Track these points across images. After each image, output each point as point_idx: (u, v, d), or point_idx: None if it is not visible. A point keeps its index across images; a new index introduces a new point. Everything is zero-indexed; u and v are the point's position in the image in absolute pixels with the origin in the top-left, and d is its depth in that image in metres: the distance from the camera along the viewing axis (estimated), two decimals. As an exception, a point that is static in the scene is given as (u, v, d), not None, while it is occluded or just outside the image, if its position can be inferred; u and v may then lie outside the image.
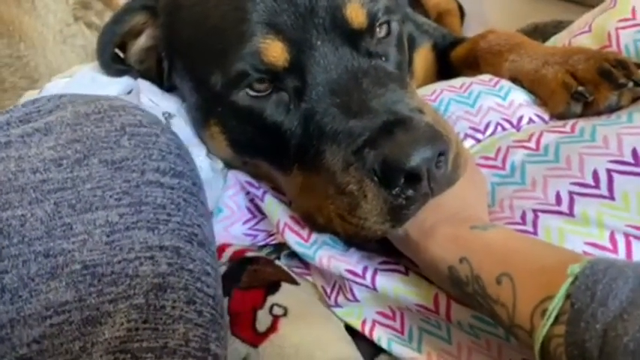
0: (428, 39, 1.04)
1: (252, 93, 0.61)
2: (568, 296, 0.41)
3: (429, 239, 0.54)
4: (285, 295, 0.63)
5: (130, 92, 0.74)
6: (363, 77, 0.60)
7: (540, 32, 1.22)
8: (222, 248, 0.69)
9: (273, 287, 0.63)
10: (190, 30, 0.67)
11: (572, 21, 1.14)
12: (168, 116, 0.69)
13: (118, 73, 0.74)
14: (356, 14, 0.62)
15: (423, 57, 1.02)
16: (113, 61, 0.74)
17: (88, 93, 0.72)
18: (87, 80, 0.74)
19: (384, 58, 0.65)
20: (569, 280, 0.41)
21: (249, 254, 0.69)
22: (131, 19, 0.72)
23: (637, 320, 0.38)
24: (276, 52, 0.59)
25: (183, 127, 0.70)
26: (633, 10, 0.75)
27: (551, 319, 0.41)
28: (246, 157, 0.69)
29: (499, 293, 0.47)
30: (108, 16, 1.13)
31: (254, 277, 0.64)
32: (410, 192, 0.54)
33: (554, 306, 0.41)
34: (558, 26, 1.18)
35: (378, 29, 0.64)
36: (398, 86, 0.61)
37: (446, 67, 1.02)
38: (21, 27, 0.95)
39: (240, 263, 0.67)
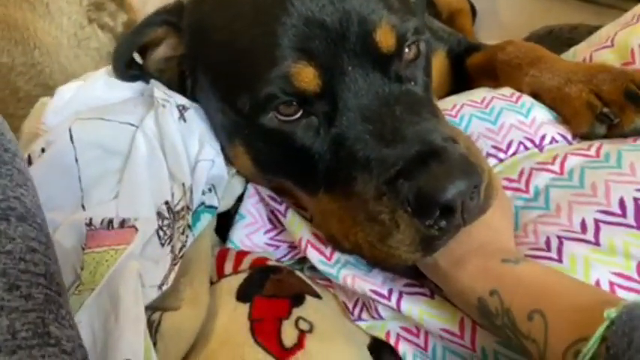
0: (443, 45, 1.03)
1: (280, 117, 0.61)
2: (603, 339, 0.41)
3: (459, 269, 0.55)
4: (310, 309, 0.63)
5: (142, 95, 0.74)
6: (395, 104, 0.59)
7: (555, 36, 1.21)
8: (240, 255, 0.69)
9: (298, 299, 0.63)
10: (217, 52, 0.66)
11: (587, 25, 1.14)
12: (183, 108, 0.69)
13: (133, 79, 0.74)
14: (385, 38, 0.61)
15: (438, 64, 1.01)
16: (130, 67, 0.74)
17: (103, 96, 0.72)
18: (100, 83, 0.74)
19: (412, 83, 0.64)
20: (606, 323, 0.41)
21: (271, 263, 0.69)
22: (151, 33, 0.72)
23: None
24: (307, 77, 0.59)
25: (197, 119, 0.70)
26: (658, 28, 0.74)
27: None
28: (270, 176, 0.69)
29: (530, 329, 0.47)
30: (121, 17, 1.12)
31: (278, 287, 0.64)
32: (443, 223, 0.54)
33: (589, 348, 0.41)
34: (573, 31, 1.18)
35: (406, 50, 0.64)
36: (430, 113, 0.61)
37: (461, 74, 1.02)
38: (36, 33, 0.94)
39: (263, 271, 0.66)
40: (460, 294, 0.55)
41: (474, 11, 1.55)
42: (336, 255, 0.65)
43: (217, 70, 0.67)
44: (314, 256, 0.65)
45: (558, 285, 0.49)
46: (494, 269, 0.52)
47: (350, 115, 0.59)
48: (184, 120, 0.67)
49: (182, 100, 0.69)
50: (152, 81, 0.72)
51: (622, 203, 0.58)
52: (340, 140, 0.59)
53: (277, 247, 0.73)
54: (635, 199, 0.57)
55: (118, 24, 1.10)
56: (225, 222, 0.75)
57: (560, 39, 1.18)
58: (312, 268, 0.69)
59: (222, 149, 0.71)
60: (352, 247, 0.61)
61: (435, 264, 0.57)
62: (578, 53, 0.86)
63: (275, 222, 0.73)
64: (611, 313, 0.41)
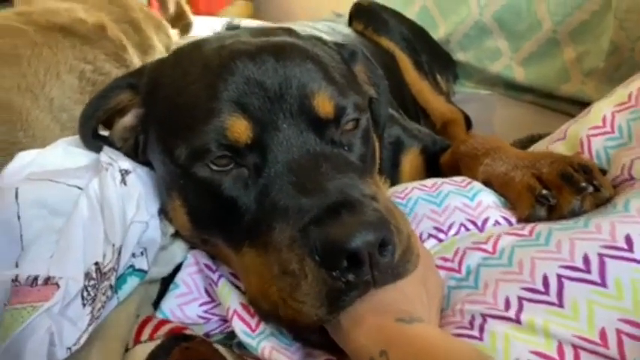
0: (417, 143, 1.05)
1: (213, 167, 0.63)
2: None
3: (357, 328, 0.52)
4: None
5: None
6: (323, 161, 0.61)
7: (536, 143, 1.21)
8: (161, 323, 0.66)
9: None
10: (165, 105, 0.69)
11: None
12: (125, 172, 0.71)
13: (96, 148, 0.76)
14: (323, 104, 0.64)
15: (410, 160, 1.03)
16: (96, 139, 0.76)
17: (59, 162, 0.74)
18: (59, 150, 0.76)
19: (347, 148, 0.66)
20: None
21: (188, 332, 0.66)
22: (115, 96, 0.75)
23: None
24: (239, 129, 0.61)
25: (138, 183, 0.71)
26: (604, 119, 0.75)
27: None
28: (204, 234, 0.69)
29: None
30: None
31: (184, 354, 0.61)
32: (350, 276, 0.52)
33: None
34: (554, 137, 1.18)
35: (345, 120, 0.66)
36: (357, 175, 0.62)
37: (438, 172, 1.02)
38: (27, 118, 0.97)
39: (175, 339, 0.63)
40: (356, 354, 0.51)
41: (469, 122, 1.60)
42: (262, 326, 0.62)
43: (163, 123, 0.70)
44: (238, 326, 0.63)
45: (442, 346, 0.46)
46: (387, 328, 0.50)
47: (277, 168, 0.60)
48: (125, 183, 0.69)
49: (126, 164, 0.72)
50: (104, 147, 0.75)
51: (545, 280, 0.55)
52: (265, 191, 0.60)
53: (209, 320, 0.70)
54: (559, 276, 0.54)
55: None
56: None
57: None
58: (241, 343, 0.66)
59: (164, 210, 0.72)
60: (270, 308, 0.58)
61: (337, 322, 0.54)
62: (537, 148, 0.86)
63: (212, 294, 0.72)
64: None
